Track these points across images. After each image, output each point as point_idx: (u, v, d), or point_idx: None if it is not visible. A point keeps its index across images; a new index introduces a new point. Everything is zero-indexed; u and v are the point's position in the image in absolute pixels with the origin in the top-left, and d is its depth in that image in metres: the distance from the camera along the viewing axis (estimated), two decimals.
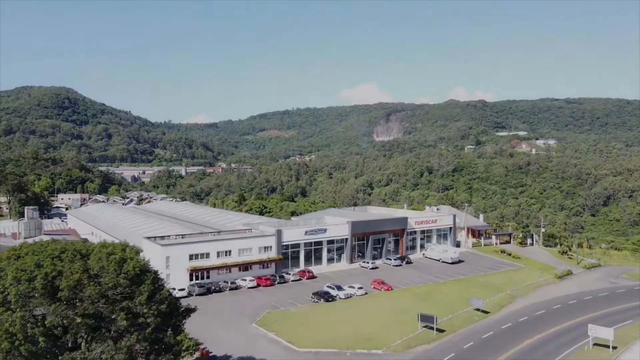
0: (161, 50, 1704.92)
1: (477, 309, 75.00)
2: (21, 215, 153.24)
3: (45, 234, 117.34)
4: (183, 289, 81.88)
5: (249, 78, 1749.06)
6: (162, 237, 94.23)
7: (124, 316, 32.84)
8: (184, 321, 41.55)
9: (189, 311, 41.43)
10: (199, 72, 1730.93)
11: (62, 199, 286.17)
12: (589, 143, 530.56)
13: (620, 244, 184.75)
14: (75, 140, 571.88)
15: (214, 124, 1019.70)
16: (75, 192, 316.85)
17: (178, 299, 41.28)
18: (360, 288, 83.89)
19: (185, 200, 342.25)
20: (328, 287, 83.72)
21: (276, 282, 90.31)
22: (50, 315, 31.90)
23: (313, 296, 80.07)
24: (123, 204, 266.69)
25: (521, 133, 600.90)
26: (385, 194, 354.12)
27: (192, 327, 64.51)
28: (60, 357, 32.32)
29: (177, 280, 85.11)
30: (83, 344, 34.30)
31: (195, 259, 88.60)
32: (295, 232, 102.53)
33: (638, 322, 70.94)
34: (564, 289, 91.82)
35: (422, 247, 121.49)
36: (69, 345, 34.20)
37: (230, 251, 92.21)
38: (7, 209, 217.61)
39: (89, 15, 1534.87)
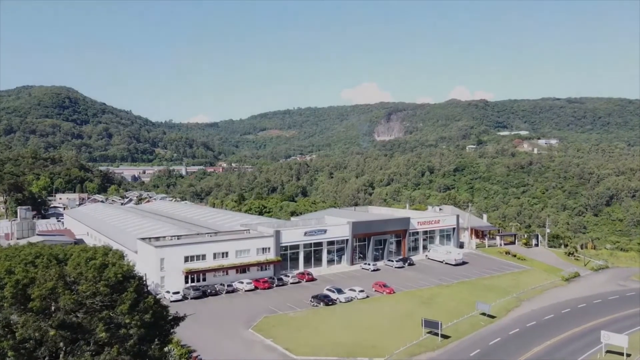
0: (162, 49, 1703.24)
1: (483, 314, 72.09)
2: (17, 215, 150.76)
3: (39, 235, 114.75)
4: (178, 292, 79.20)
5: (250, 77, 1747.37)
6: (157, 238, 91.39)
7: (103, 327, 29.98)
8: (172, 330, 38.53)
9: (178, 320, 38.51)
10: (200, 72, 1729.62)
11: (60, 198, 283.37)
12: (591, 142, 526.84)
13: (625, 245, 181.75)
14: (75, 139, 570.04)
15: (215, 123, 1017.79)
16: (74, 192, 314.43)
17: (166, 306, 38.21)
18: (362, 291, 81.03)
19: (185, 200, 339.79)
20: (328, 290, 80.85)
21: (274, 285, 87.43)
22: (20, 327, 29.01)
23: (312, 300, 77.19)
24: (122, 204, 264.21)
25: (523, 132, 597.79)
26: (387, 194, 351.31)
27: (185, 333, 61.77)
28: None
29: (172, 283, 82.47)
30: (62, 356, 31.49)
31: (190, 260, 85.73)
32: (295, 232, 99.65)
33: None
34: (572, 292, 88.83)
35: (424, 248, 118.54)
36: None
37: (227, 253, 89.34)
38: (3, 208, 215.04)
39: (90, 14, 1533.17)
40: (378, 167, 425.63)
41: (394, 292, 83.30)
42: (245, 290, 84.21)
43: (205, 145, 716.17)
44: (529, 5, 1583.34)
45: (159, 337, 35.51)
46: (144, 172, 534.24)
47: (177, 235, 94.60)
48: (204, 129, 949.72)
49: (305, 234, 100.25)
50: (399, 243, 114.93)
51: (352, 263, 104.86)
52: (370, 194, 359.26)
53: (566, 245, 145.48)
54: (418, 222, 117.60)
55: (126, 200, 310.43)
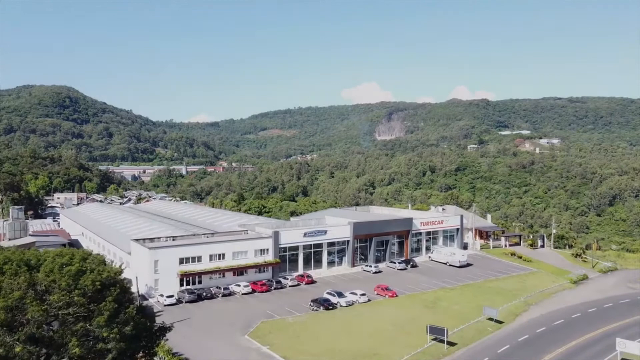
0: (163, 49, 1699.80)
1: (490, 319, 68.95)
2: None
3: (32, 235, 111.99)
4: (172, 296, 76.12)
5: (251, 77, 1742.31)
6: (152, 240, 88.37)
7: (77, 342, 26.92)
8: (158, 342, 35.48)
9: (164, 330, 35.54)
10: (201, 72, 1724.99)
11: (58, 198, 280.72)
12: (593, 142, 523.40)
13: (630, 245, 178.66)
14: (75, 139, 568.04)
15: (216, 123, 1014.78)
16: (73, 191, 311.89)
17: (152, 316, 35.12)
18: (363, 295, 77.90)
19: (185, 199, 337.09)
20: (328, 293, 77.74)
21: (272, 288, 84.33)
22: None
23: (312, 304, 74.08)
24: (120, 203, 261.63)
25: (524, 132, 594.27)
26: (388, 194, 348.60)
27: (178, 339, 58.84)
28: None
29: (166, 286, 79.47)
30: None
31: (186, 262, 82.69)
32: (294, 233, 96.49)
33: None
34: (581, 295, 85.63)
35: (427, 249, 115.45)
36: None
37: (223, 254, 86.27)
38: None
39: (91, 14, 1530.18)
40: (379, 167, 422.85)
41: (396, 296, 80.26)
42: (243, 294, 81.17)
43: (206, 145, 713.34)
44: (530, 4, 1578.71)
45: (143, 349, 32.47)
46: (144, 172, 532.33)
47: (173, 236, 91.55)
48: (204, 129, 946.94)
49: (305, 234, 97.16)
50: (401, 244, 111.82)
51: (353, 265, 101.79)
52: (371, 194, 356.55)
53: (571, 246, 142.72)
54: (421, 223, 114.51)
55: (125, 199, 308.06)
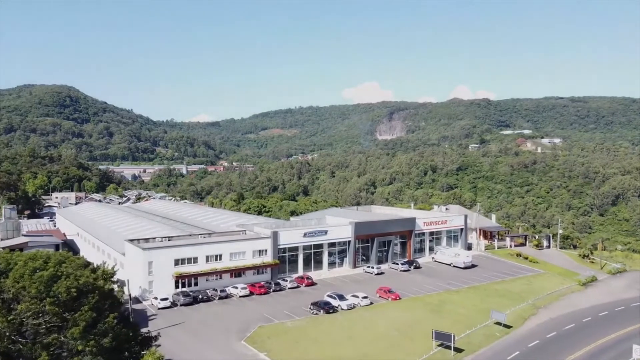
0: (164, 49, 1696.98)
1: (498, 323, 66.02)
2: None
3: (25, 235, 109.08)
4: (166, 298, 73.16)
5: (252, 77, 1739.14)
6: (147, 240, 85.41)
7: (47, 357, 24.04)
8: (143, 353, 32.54)
9: (148, 340, 32.59)
10: (202, 71, 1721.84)
11: (56, 197, 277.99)
12: (595, 142, 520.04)
13: (636, 245, 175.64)
14: (76, 138, 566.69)
15: (217, 122, 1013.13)
16: (72, 191, 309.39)
17: (135, 325, 32.22)
18: (365, 297, 74.93)
19: (185, 199, 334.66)
20: (329, 296, 74.79)
21: (271, 290, 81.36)
22: None
23: (312, 307, 71.12)
24: (119, 203, 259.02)
25: (526, 132, 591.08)
26: (389, 193, 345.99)
27: (170, 344, 56.12)
28: None
29: (161, 288, 76.53)
30: None
31: (181, 264, 79.71)
32: (293, 233, 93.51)
33: None
34: (591, 298, 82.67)
35: (430, 250, 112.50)
36: None
37: (220, 255, 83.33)
38: None
39: (91, 13, 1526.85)
40: (380, 166, 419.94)
41: (399, 298, 77.34)
42: (240, 296, 78.24)
43: (207, 145, 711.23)
44: (531, 3, 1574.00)
45: None
46: (145, 171, 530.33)
47: (168, 237, 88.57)
48: (205, 128, 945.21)
49: (305, 235, 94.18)
50: (403, 245, 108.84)
51: (354, 266, 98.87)
52: (372, 194, 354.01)
53: (575, 247, 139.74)
54: (424, 223, 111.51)
55: (124, 199, 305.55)
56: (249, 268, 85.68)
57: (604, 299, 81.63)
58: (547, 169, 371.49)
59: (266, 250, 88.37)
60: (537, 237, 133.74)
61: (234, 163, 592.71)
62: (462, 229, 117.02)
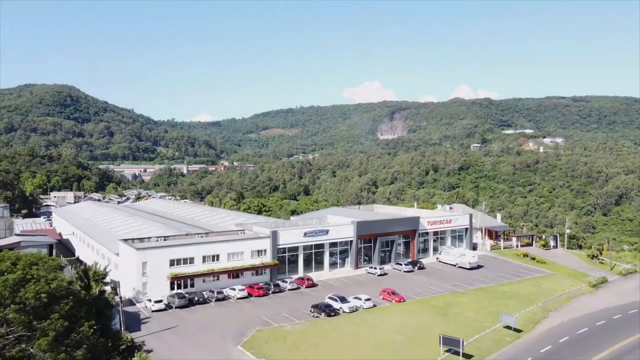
0: (165, 48, 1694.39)
1: (508, 327, 62.95)
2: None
3: (17, 235, 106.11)
4: (160, 301, 70.16)
5: (253, 76, 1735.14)
6: (142, 240, 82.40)
7: None
8: None
9: (131, 350, 29.49)
10: (203, 71, 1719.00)
11: (55, 197, 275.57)
12: (598, 141, 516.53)
13: None
14: (76, 138, 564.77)
15: (217, 122, 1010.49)
16: (71, 190, 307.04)
17: (116, 333, 29.18)
18: (368, 300, 71.92)
19: (186, 198, 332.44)
20: (330, 298, 71.77)
21: (270, 292, 78.32)
22: None
23: (313, 310, 68.09)
24: (118, 202, 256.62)
25: (528, 131, 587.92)
26: (390, 193, 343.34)
27: (163, 349, 53.23)
28: None
29: (155, 290, 73.47)
30: None
31: (177, 264, 76.70)
32: (294, 233, 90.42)
33: None
34: (603, 300, 79.56)
35: (434, 250, 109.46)
36: None
37: (218, 256, 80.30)
38: None
39: (92, 13, 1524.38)
40: (381, 166, 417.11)
41: (404, 301, 74.27)
42: (238, 298, 75.22)
43: (208, 144, 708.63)
44: (532, 3, 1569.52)
45: None
46: (145, 171, 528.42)
47: (164, 236, 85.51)
48: (206, 128, 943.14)
49: (306, 234, 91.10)
50: (407, 245, 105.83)
51: (356, 267, 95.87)
52: (374, 193, 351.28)
53: (580, 247, 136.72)
54: (428, 222, 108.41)
55: (124, 198, 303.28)
56: (247, 269, 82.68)
57: (616, 301, 78.53)
58: (550, 169, 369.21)
59: (265, 251, 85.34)
60: (543, 236, 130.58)
61: (234, 163, 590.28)
62: (467, 229, 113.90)
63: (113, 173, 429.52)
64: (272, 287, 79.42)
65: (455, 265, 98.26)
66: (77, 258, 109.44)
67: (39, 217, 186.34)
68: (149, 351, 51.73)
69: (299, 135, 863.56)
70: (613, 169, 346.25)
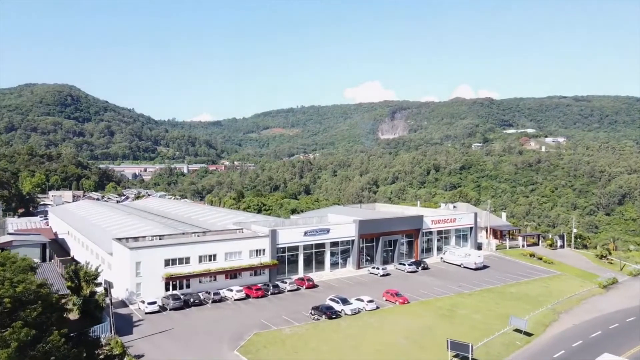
0: (165, 48, 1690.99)
1: (517, 330, 60.09)
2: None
3: (10, 234, 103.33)
4: (154, 302, 67.29)
5: (253, 76, 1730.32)
6: (136, 239, 79.59)
7: None
8: None
9: None
10: (203, 71, 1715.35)
11: (53, 196, 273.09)
12: (600, 141, 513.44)
13: None
14: (77, 137, 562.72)
15: (218, 122, 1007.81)
16: (70, 189, 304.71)
17: (97, 339, 26.30)
18: (371, 301, 69.05)
19: (186, 198, 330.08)
20: (331, 300, 68.90)
21: (269, 293, 75.48)
22: None
23: (313, 312, 65.21)
24: (117, 201, 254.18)
25: (529, 131, 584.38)
26: (391, 192, 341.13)
27: (155, 354, 50.43)
28: None
29: (149, 291, 70.75)
30: None
31: (172, 264, 73.89)
32: (293, 232, 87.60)
33: None
34: (614, 301, 76.61)
35: (438, 249, 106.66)
36: None
37: (215, 255, 77.51)
38: None
39: (92, 12, 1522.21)
40: (382, 165, 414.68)
41: (408, 302, 71.43)
42: (235, 299, 72.41)
43: (208, 144, 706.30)
44: (534, 2, 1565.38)
45: None
46: (145, 170, 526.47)
47: (159, 235, 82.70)
48: (207, 128, 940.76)
49: (306, 233, 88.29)
50: (410, 244, 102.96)
51: (358, 267, 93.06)
52: (375, 193, 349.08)
53: (585, 247, 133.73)
54: (432, 221, 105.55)
55: (123, 197, 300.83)
56: (245, 269, 79.90)
57: (628, 303, 75.57)
58: (552, 168, 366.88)
59: (264, 250, 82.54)
60: (550, 236, 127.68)
61: (235, 162, 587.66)
62: (471, 228, 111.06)
63: (113, 172, 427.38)
64: (271, 288, 76.61)
65: (460, 266, 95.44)
66: (72, 258, 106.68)
67: (36, 216, 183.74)
68: (139, 356, 49.14)
69: (299, 134, 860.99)
70: (616, 169, 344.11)
